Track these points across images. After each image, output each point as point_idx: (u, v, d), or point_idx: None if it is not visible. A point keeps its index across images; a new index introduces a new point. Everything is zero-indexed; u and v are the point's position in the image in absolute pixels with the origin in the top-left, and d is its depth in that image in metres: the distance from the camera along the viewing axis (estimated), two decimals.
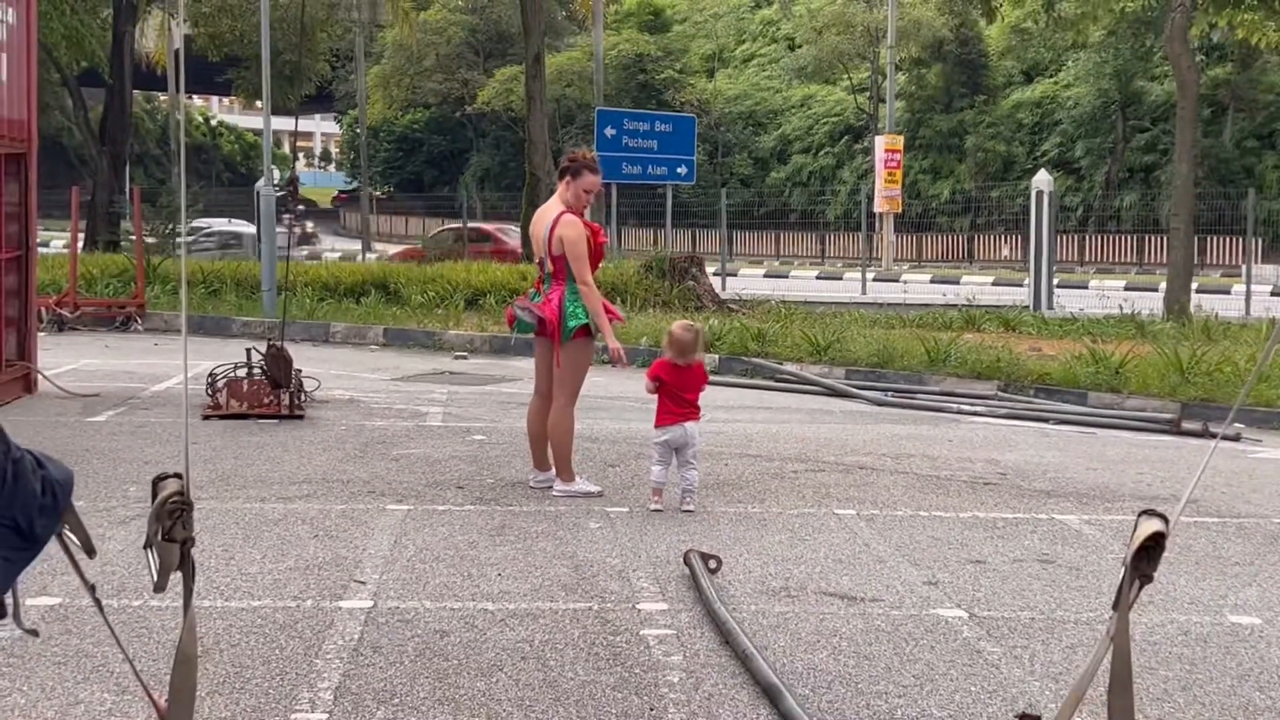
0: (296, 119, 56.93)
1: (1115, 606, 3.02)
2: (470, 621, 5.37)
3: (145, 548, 2.97)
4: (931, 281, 34.90)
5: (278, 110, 51.45)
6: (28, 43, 11.10)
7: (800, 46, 53.06)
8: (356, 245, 47.11)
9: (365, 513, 7.22)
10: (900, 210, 40.88)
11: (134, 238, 18.95)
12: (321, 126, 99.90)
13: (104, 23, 29.57)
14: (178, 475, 2.93)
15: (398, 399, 11.74)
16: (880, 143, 40.04)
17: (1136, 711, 3.31)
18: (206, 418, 10.11)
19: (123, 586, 5.61)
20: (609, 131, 25.80)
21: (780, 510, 7.62)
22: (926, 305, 23.23)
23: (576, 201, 7.83)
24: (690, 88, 54.93)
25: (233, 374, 10.39)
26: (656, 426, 7.59)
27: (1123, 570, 3.00)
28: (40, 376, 11.36)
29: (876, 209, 39.50)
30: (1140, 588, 3.00)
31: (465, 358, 15.29)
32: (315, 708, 4.41)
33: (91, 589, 3.00)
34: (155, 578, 2.96)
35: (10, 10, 10.66)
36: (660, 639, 5.22)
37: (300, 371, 10.54)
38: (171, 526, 2.90)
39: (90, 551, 2.96)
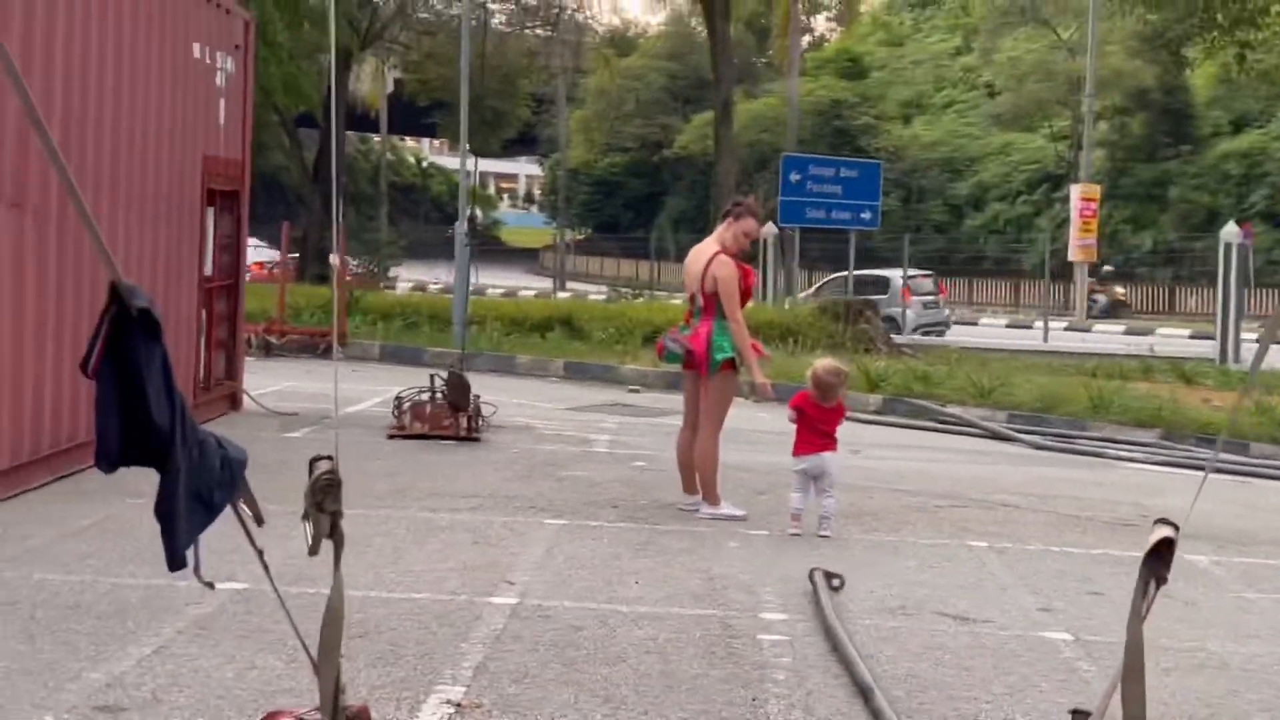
0: (475, 160, 58.80)
1: (1132, 607, 3.39)
2: (604, 620, 5.92)
3: (302, 519, 3.59)
4: (1125, 333, 34.38)
5: (482, 153, 53.34)
6: (245, 89, 12.14)
7: (1000, 94, 52.78)
8: (548, 284, 48.36)
9: (524, 525, 7.84)
10: (1095, 260, 40.32)
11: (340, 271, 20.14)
12: (525, 168, 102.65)
13: (320, 68, 31.32)
14: (329, 458, 3.54)
15: (569, 427, 12.41)
16: (1075, 191, 39.61)
17: None
18: (391, 437, 10.90)
19: (300, 576, 6.27)
20: (794, 177, 26.29)
21: (914, 540, 7.99)
22: (1109, 355, 23.07)
23: (734, 243, 8.36)
24: (886, 134, 55.08)
25: (416, 398, 11.17)
26: (794, 455, 8.05)
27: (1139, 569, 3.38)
28: (245, 395, 12.33)
29: (1071, 258, 39.06)
30: (1158, 587, 3.37)
31: (639, 391, 15.92)
32: (456, 682, 5.00)
33: (260, 553, 3.64)
34: (309, 543, 3.58)
35: (230, 59, 11.71)
36: (774, 643, 5.68)
37: (479, 397, 11.27)
38: (322, 500, 3.51)
39: (259, 520, 3.59)
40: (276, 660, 5.13)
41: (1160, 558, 3.37)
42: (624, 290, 32.82)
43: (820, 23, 66.99)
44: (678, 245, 56.93)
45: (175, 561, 3.46)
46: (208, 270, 11.37)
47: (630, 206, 65.62)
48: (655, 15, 64.57)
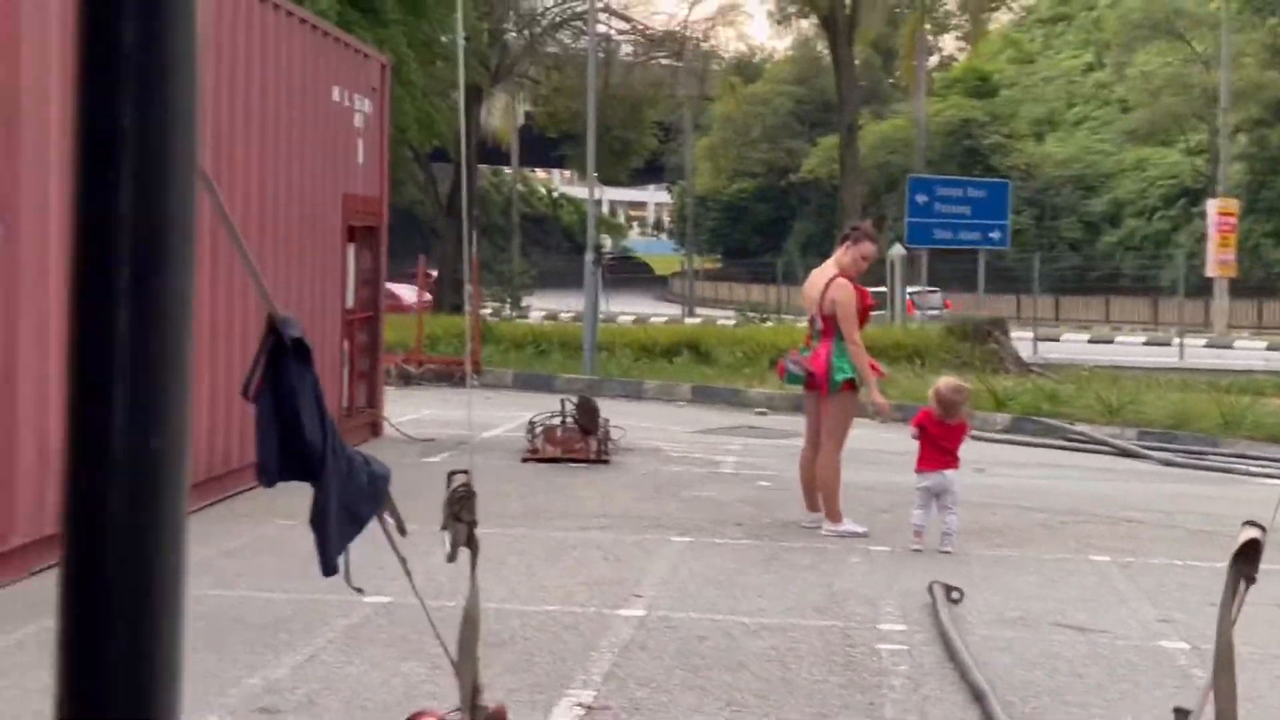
0: (603, 189, 59.43)
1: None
2: (727, 631, 6.17)
3: (441, 529, 3.92)
4: (1268, 349, 33.64)
5: (610, 182, 53.96)
6: (381, 129, 12.67)
7: (1134, 109, 52.01)
8: (678, 310, 48.71)
9: (651, 542, 8.13)
10: (1235, 275, 39.51)
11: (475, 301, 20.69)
12: (655, 196, 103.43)
13: (452, 105, 32.16)
14: (465, 472, 3.86)
15: (696, 449, 12.68)
16: (1213, 206, 38.90)
17: None
18: (525, 460, 11.27)
19: (440, 590, 6.64)
20: (921, 198, 26.32)
21: (1036, 555, 8.11)
22: (1247, 371, 22.68)
23: (852, 266, 8.58)
24: (1018, 152, 54.57)
25: (548, 422, 11.53)
26: (916, 472, 8.22)
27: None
28: (386, 422, 12.82)
29: (1209, 273, 38.34)
30: (1247, 585, 3.53)
31: (765, 414, 16.13)
32: (586, 686, 5.30)
33: (403, 561, 3.96)
34: (448, 551, 3.90)
35: (367, 101, 12.24)
36: (892, 652, 5.89)
37: (608, 421, 11.60)
38: (459, 511, 3.84)
39: (402, 531, 3.92)
40: (420, 667, 5.48)
41: (1248, 558, 3.53)
42: (751, 314, 33.01)
43: (948, 42, 66.61)
44: (805, 269, 56.89)
45: (328, 568, 3.80)
46: (349, 303, 11.88)
47: (758, 231, 65.80)
48: (781, 40, 64.85)
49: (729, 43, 57.73)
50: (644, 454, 12.03)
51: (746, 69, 61.67)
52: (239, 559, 7.40)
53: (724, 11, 45.31)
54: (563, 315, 36.75)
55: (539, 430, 11.54)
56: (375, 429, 12.66)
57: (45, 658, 4.86)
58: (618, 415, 13.02)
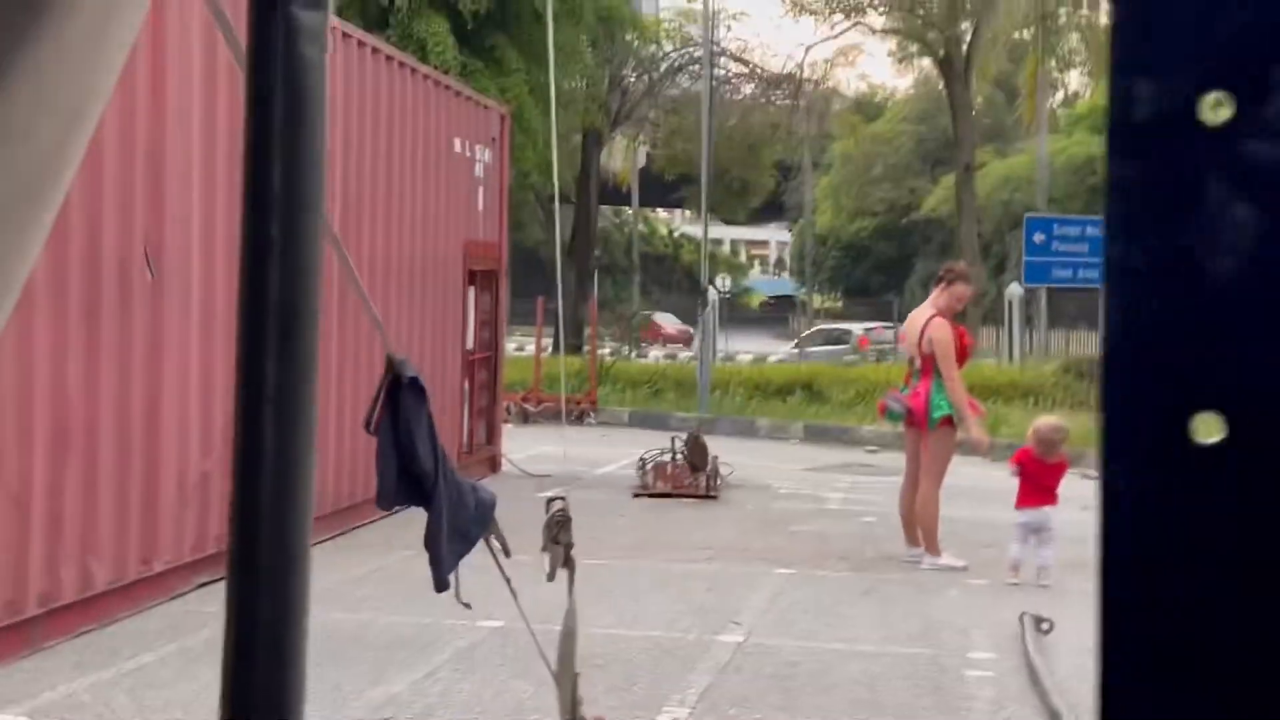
0: (724, 228, 59.78)
1: None
2: (820, 657, 6.46)
3: (541, 550, 4.30)
4: None
5: (730, 221, 54.37)
6: (501, 177, 13.21)
7: None
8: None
9: (754, 574, 8.44)
10: None
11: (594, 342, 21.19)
12: (776, 235, 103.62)
13: (572, 148, 32.84)
14: (562, 498, 4.24)
15: (804, 485, 12.96)
16: None
17: None
18: (636, 496, 11.65)
19: (547, 616, 7.04)
20: (1038, 237, 26.32)
21: None
22: None
23: (948, 307, 8.85)
24: None
25: (659, 459, 11.90)
26: (1016, 508, 8.43)
27: None
28: (504, 459, 13.29)
29: None
30: None
31: (876, 452, 16.31)
32: (682, 705, 5.64)
33: (508, 581, 4.34)
34: (548, 571, 4.28)
35: (487, 151, 12.78)
36: (978, 678, 6.14)
37: (717, 458, 11.93)
38: (557, 534, 4.21)
39: (506, 552, 4.30)
40: (528, 685, 5.85)
41: None
42: (863, 354, 33.11)
43: (1073, 78, 66.07)
44: None
45: (440, 585, 4.20)
46: (469, 344, 12.39)
47: (879, 269, 65.65)
48: (903, 79, 64.92)
49: (849, 82, 57.93)
50: (752, 490, 12.33)
51: (867, 108, 61.80)
52: (362, 586, 7.87)
53: (843, 51, 45.60)
54: (682, 355, 37.16)
55: (649, 467, 11.91)
56: (494, 465, 13.13)
57: (187, 672, 5.38)
58: (730, 453, 13.33)
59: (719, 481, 11.88)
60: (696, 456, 11.71)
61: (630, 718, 5.44)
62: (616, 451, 15.04)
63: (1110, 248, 0.79)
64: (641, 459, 12.09)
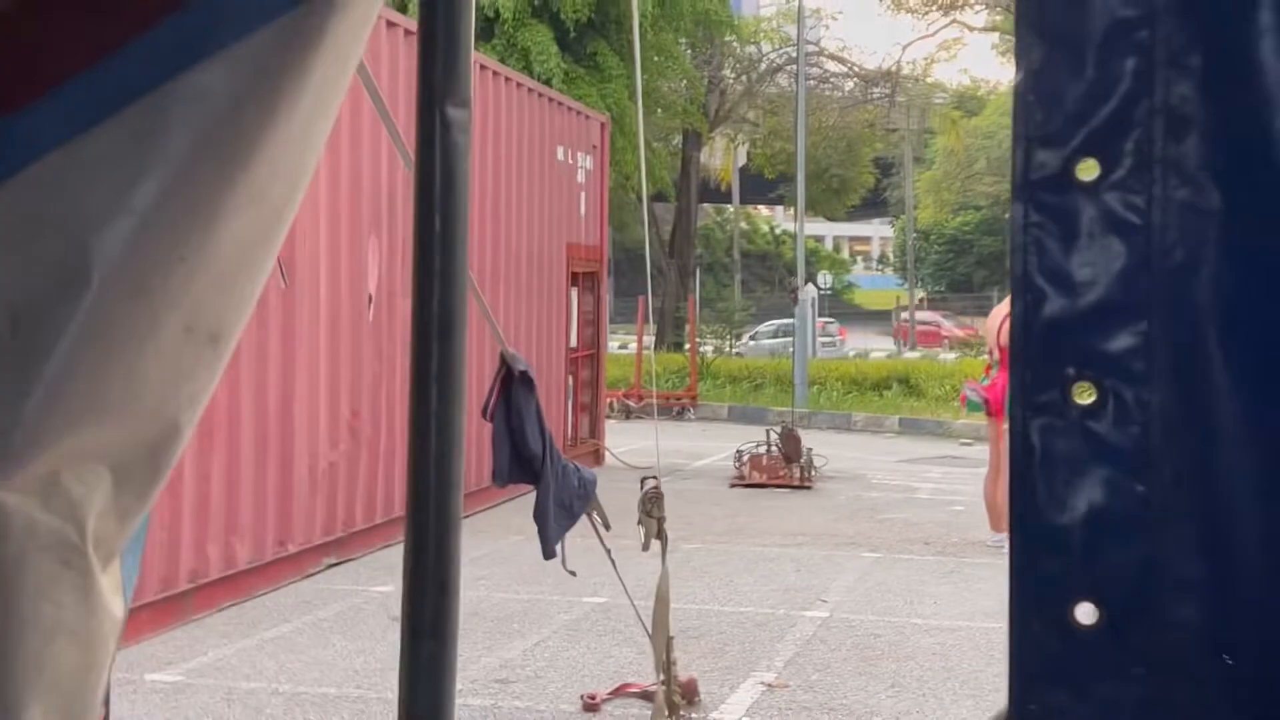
0: (826, 224, 59.88)
1: None
2: (900, 629, 6.96)
3: (637, 524, 4.87)
4: None
5: (830, 218, 54.57)
6: (601, 183, 13.81)
7: None
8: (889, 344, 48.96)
9: (842, 557, 8.94)
10: None
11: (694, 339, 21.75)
12: (879, 230, 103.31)
13: (673, 149, 33.42)
14: (655, 476, 4.81)
15: (896, 476, 13.40)
16: None
17: None
18: (733, 486, 12.19)
19: (646, 593, 7.63)
20: None
21: None
22: None
23: None
24: None
25: (755, 451, 12.42)
26: None
27: None
28: (607, 451, 13.90)
29: None
30: None
31: (969, 444, 16.68)
32: (769, 670, 6.18)
33: (608, 551, 4.93)
34: (643, 541, 4.85)
35: (589, 158, 13.39)
36: None
37: (810, 449, 12.42)
38: (650, 508, 4.78)
39: (606, 525, 4.89)
40: (629, 652, 6.44)
41: None
42: (964, 349, 33.30)
43: None
44: None
45: (548, 553, 4.80)
46: (573, 342, 13.01)
47: (983, 264, 65.40)
48: (1005, 72, 64.52)
49: (951, 77, 57.88)
50: (845, 480, 12.81)
51: (969, 102, 61.62)
52: (479, 566, 8.50)
53: (944, 46, 45.62)
54: (780, 352, 37.53)
55: (746, 458, 12.44)
56: (597, 458, 13.74)
57: (321, 640, 6.11)
58: (826, 446, 13.82)
59: (814, 472, 12.37)
60: (790, 448, 12.22)
61: (722, 680, 5.99)
62: (715, 445, 15.59)
63: (1014, 265, 1.28)
64: (738, 451, 12.62)
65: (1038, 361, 1.16)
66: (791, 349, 20.50)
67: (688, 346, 22.73)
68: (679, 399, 19.89)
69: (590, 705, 5.63)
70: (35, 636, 1.54)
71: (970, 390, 9.39)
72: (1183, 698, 1.17)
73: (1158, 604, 1.18)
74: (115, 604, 1.63)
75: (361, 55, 1.81)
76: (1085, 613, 1.23)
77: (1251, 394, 1.19)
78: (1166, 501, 1.18)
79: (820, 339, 34.98)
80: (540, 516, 4.99)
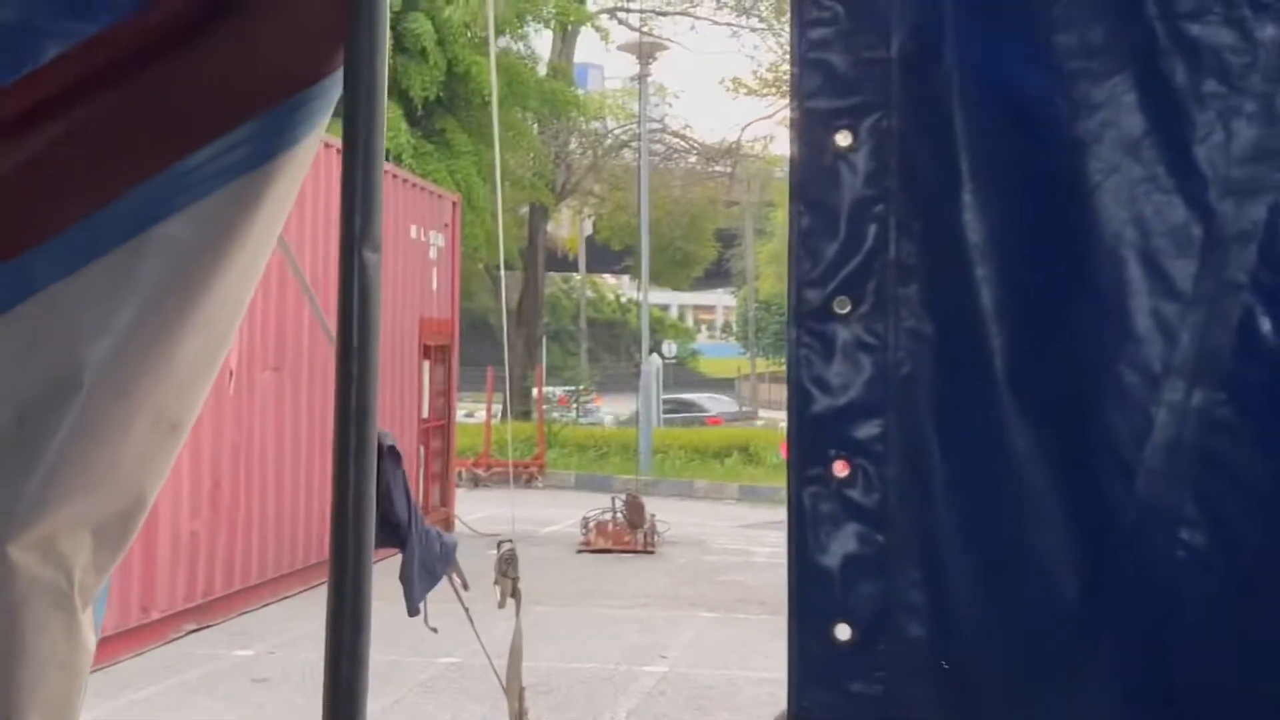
0: (671, 294, 60.99)
1: None
2: (733, 681, 7.56)
3: (494, 584, 5.39)
4: None
5: (677, 288, 55.70)
6: (453, 258, 14.33)
7: None
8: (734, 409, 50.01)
9: (682, 617, 9.52)
10: None
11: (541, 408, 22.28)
12: (723, 299, 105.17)
13: (519, 221, 34.07)
14: (509, 541, 5.33)
15: (735, 541, 14.07)
16: None
17: None
18: (580, 551, 12.71)
19: (499, 652, 8.11)
20: None
21: None
22: None
23: None
24: None
25: (600, 518, 12.98)
26: None
27: None
28: (457, 520, 14.32)
29: None
30: None
31: None
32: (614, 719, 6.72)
33: (466, 609, 5.42)
34: (499, 599, 5.37)
35: (441, 235, 13.91)
36: None
37: (654, 516, 13.02)
38: (506, 569, 5.31)
39: (465, 585, 5.39)
40: (481, 708, 6.91)
41: None
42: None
43: None
44: None
45: (412, 610, 5.30)
46: (424, 413, 13.45)
47: None
48: None
49: (788, 151, 59.47)
50: (687, 545, 13.43)
51: None
52: None
53: (782, 123, 47.19)
54: (625, 419, 38.23)
55: (592, 525, 12.98)
56: (448, 525, 14.15)
57: (184, 701, 6.49)
58: (668, 513, 14.42)
59: (657, 538, 12.96)
60: (634, 515, 12.80)
61: None
62: (563, 512, 16.09)
63: (789, 374, 1.80)
64: (585, 518, 13.16)
65: (807, 444, 1.70)
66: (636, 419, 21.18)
67: (535, 415, 23.24)
68: (527, 467, 20.36)
69: None
70: (32, 665, 1.92)
71: None
72: (913, 693, 1.72)
73: (894, 623, 1.72)
74: (90, 639, 2.09)
75: (289, 209, 2.33)
76: (842, 630, 1.79)
77: (958, 469, 1.74)
78: (900, 547, 1.73)
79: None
80: (406, 579, 5.49)
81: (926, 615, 1.63)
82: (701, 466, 20.51)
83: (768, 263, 63.79)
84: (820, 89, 1.64)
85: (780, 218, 59.31)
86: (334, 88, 2.05)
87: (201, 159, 1.94)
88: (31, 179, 1.90)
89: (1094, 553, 1.57)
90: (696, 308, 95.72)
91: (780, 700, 5.64)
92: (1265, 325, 1.53)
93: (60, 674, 1.95)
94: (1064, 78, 1.59)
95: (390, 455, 5.44)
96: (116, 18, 1.98)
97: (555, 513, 16.18)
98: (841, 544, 1.68)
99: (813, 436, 1.65)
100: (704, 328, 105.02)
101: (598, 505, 14.38)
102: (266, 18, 2.06)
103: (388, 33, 2.14)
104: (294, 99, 2.07)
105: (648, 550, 12.70)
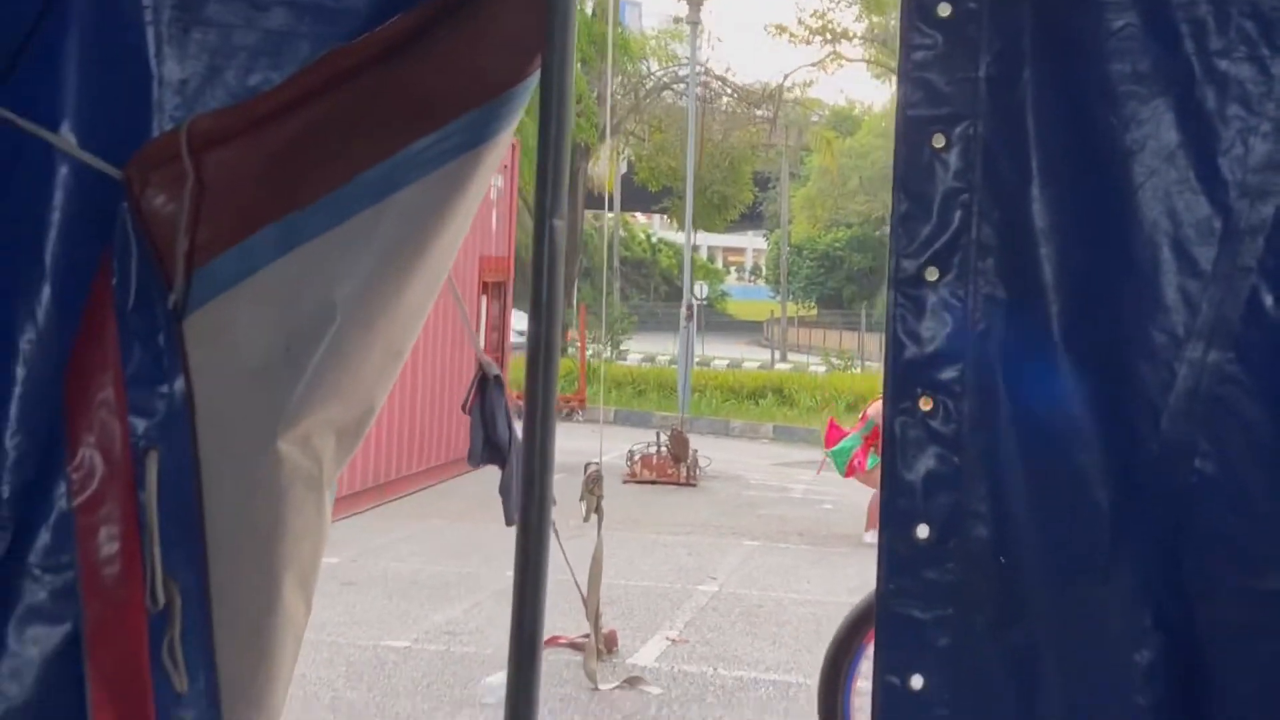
0: (702, 235, 61.17)
1: None
2: (779, 602, 8.25)
3: (580, 500, 6.07)
4: None
5: (710, 230, 56.08)
6: (511, 199, 14.95)
7: None
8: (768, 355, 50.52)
9: (727, 544, 10.21)
10: None
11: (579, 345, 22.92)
12: (753, 242, 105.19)
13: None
14: (596, 463, 6.01)
15: (772, 477, 14.75)
16: None
17: None
18: (626, 483, 13.40)
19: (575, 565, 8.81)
20: None
21: None
22: None
23: None
24: None
25: (645, 451, 13.66)
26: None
27: None
28: None
29: None
30: None
31: None
32: (673, 629, 7.41)
33: (556, 533, 6.12)
34: (584, 514, 6.06)
35: (500, 177, 14.52)
36: None
37: (696, 451, 13.70)
38: (593, 486, 5.99)
39: (553, 502, 6.08)
40: (552, 615, 7.58)
41: None
42: (835, 361, 34.88)
43: None
44: None
45: (509, 521, 6.00)
46: (481, 346, 14.12)
47: (853, 280, 67.48)
48: (880, 93, 66.64)
49: (828, 95, 59.74)
50: (727, 480, 14.11)
51: (845, 122, 63.60)
52: (407, 545, 9.61)
53: (821, 64, 47.33)
54: (660, 358, 38.87)
55: (637, 458, 13.66)
56: None
57: None
58: (706, 449, 15.09)
59: (698, 472, 13.64)
60: (678, 449, 13.48)
61: (634, 636, 7.20)
62: (606, 445, 16.77)
63: (888, 329, 2.40)
64: (630, 451, 13.84)
65: (900, 384, 2.05)
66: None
67: (574, 350, 23.89)
68: (568, 401, 21.03)
69: None
70: (289, 537, 2.37)
71: (841, 452, 10.39)
72: (976, 582, 2.27)
73: (963, 527, 2.20)
74: (329, 516, 2.73)
75: (486, 188, 2.89)
76: (922, 530, 2.33)
77: (1019, 407, 2.25)
78: (970, 467, 2.21)
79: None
80: (505, 492, 6.21)
81: (989, 521, 1.98)
82: (737, 406, 21.17)
83: (800, 208, 64.08)
84: (921, 100, 2.00)
85: (816, 163, 59.54)
86: (527, 90, 2.48)
87: (426, 144, 2.35)
88: (296, 156, 2.28)
89: (1124, 475, 1.93)
90: (726, 250, 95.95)
91: (824, 618, 6.42)
92: (1269, 301, 1.89)
93: (309, 543, 2.37)
94: (1116, 99, 1.93)
95: (495, 382, 6.13)
96: (361, 28, 2.56)
97: (591, 446, 16.85)
98: (924, 463, 2.01)
99: (904, 377, 2.02)
100: (733, 270, 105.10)
101: (639, 440, 15.06)
102: (476, 30, 2.61)
103: (575, 42, 2.69)
104: (499, 97, 2.46)
105: (690, 483, 13.38)
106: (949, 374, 2.02)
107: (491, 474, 6.42)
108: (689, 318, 19.56)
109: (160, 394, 2.20)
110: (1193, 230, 1.91)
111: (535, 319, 2.78)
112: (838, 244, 68.03)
